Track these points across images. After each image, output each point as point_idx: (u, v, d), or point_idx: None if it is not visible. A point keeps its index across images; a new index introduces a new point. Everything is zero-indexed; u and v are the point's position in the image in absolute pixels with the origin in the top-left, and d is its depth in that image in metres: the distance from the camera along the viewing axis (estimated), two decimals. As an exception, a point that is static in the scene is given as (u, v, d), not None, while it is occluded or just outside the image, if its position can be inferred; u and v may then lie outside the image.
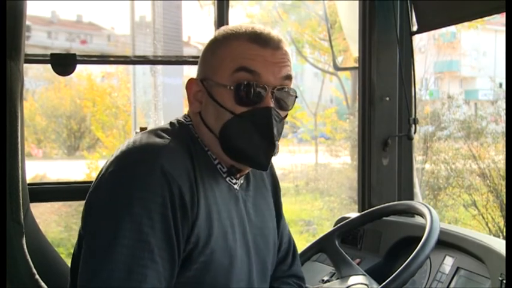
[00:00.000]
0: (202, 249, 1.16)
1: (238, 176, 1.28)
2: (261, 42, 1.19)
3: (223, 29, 1.26)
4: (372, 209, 1.81)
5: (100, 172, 1.18)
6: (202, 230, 1.16)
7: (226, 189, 1.25)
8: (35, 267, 1.43)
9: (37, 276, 1.43)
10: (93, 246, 1.10)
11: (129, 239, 1.06)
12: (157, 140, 1.16)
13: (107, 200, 1.11)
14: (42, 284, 1.44)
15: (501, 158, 5.93)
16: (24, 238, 1.43)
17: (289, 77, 1.23)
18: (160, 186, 1.09)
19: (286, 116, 1.26)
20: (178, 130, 1.24)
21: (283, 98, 1.22)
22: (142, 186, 1.09)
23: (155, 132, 1.20)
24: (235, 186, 1.28)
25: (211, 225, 1.18)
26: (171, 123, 1.26)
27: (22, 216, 1.43)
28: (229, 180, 1.27)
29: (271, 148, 1.21)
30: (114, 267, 1.05)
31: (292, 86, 1.24)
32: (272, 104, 1.19)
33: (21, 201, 1.43)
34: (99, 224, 1.11)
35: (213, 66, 1.22)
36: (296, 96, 1.26)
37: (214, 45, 1.24)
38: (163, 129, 1.22)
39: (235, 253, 1.22)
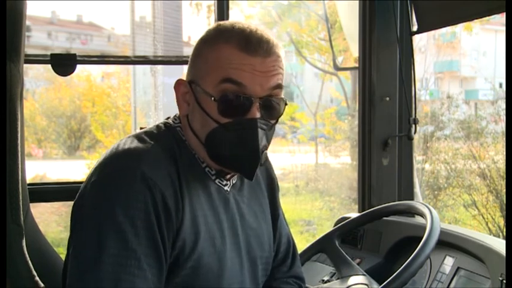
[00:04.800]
0: (189, 255, 1.15)
1: (229, 177, 1.27)
2: (251, 49, 1.14)
3: (215, 26, 1.20)
4: (372, 209, 1.81)
5: (86, 180, 1.17)
6: (188, 235, 1.15)
7: (215, 191, 1.24)
8: (34, 269, 1.43)
9: (37, 278, 1.43)
10: (80, 257, 1.09)
11: (115, 248, 1.05)
12: (139, 145, 1.15)
13: (90, 210, 1.11)
14: (42, 285, 1.44)
15: (501, 158, 5.93)
16: (24, 240, 1.43)
17: (279, 86, 1.18)
18: (142, 193, 1.08)
19: (277, 121, 1.23)
20: (163, 133, 1.22)
21: (272, 107, 1.18)
22: (124, 195, 1.08)
23: (139, 136, 1.19)
24: (226, 187, 1.27)
25: (198, 230, 1.16)
26: (157, 126, 1.24)
27: (22, 218, 1.43)
28: (219, 182, 1.25)
29: (256, 159, 1.17)
30: (102, 277, 1.04)
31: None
32: (258, 115, 1.15)
33: (21, 203, 1.43)
34: (84, 235, 1.10)
35: (201, 70, 1.19)
36: (286, 104, 1.21)
37: (204, 46, 1.20)
38: (148, 133, 1.20)
39: (224, 256, 1.21)
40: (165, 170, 1.13)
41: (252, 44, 1.14)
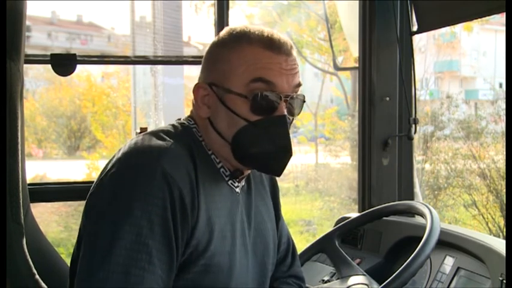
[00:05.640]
0: (202, 253, 1.16)
1: (240, 178, 1.28)
2: (275, 48, 1.18)
3: (231, 31, 1.23)
4: (372, 209, 1.81)
5: (101, 173, 1.17)
6: (202, 234, 1.15)
7: (228, 192, 1.25)
8: (35, 267, 1.43)
9: (37, 277, 1.43)
10: (92, 246, 1.09)
11: (128, 241, 1.06)
12: (159, 142, 1.16)
13: (107, 201, 1.11)
14: (43, 284, 1.44)
15: (501, 158, 5.94)
16: (24, 238, 1.43)
17: (300, 85, 1.22)
18: (160, 189, 1.09)
19: (293, 119, 1.26)
20: (181, 133, 1.23)
21: (295, 105, 1.23)
22: (143, 189, 1.09)
23: (157, 134, 1.19)
24: (237, 189, 1.28)
25: (212, 229, 1.17)
26: (173, 126, 1.25)
27: (22, 217, 1.43)
28: (232, 184, 1.27)
29: (287, 155, 1.21)
30: (112, 268, 1.05)
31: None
32: (285, 112, 1.19)
33: (21, 202, 1.43)
34: (98, 225, 1.10)
35: (224, 71, 1.20)
36: (304, 101, 1.26)
37: (223, 49, 1.21)
38: (166, 131, 1.21)
39: (234, 256, 1.22)
40: (185, 169, 1.14)
41: (276, 43, 1.18)
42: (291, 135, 1.23)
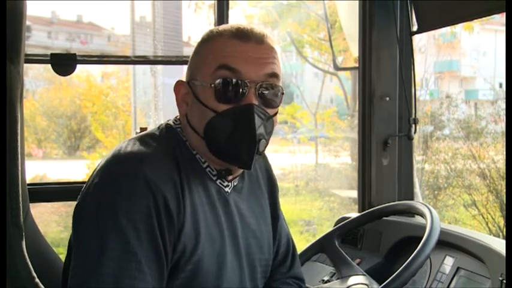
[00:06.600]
0: (190, 257, 1.15)
1: (230, 178, 1.26)
2: (243, 36, 1.17)
3: (209, 29, 1.25)
4: (372, 209, 1.81)
5: (87, 182, 1.16)
6: (189, 238, 1.14)
7: (215, 192, 1.23)
8: (34, 270, 1.43)
9: (37, 280, 1.43)
10: (82, 258, 1.09)
11: (116, 251, 1.05)
12: (141, 148, 1.15)
13: (92, 212, 1.10)
14: (42, 287, 1.43)
15: (501, 158, 5.94)
16: (24, 241, 1.42)
17: (274, 75, 1.19)
18: (144, 196, 1.08)
19: (275, 113, 1.22)
20: (165, 135, 1.22)
21: (269, 95, 1.18)
22: (127, 197, 1.08)
23: (141, 138, 1.19)
24: (227, 189, 1.26)
25: (198, 233, 1.16)
26: (159, 128, 1.25)
27: (22, 220, 1.43)
28: (220, 183, 1.25)
29: (253, 146, 1.16)
30: (102, 280, 1.05)
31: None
32: (256, 101, 1.16)
33: (20, 205, 1.43)
34: (86, 237, 1.10)
35: (197, 65, 1.21)
36: (283, 93, 1.22)
37: (199, 45, 1.23)
38: (150, 135, 1.21)
39: (224, 258, 1.21)
40: (167, 173, 1.13)
41: (244, 32, 1.18)
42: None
